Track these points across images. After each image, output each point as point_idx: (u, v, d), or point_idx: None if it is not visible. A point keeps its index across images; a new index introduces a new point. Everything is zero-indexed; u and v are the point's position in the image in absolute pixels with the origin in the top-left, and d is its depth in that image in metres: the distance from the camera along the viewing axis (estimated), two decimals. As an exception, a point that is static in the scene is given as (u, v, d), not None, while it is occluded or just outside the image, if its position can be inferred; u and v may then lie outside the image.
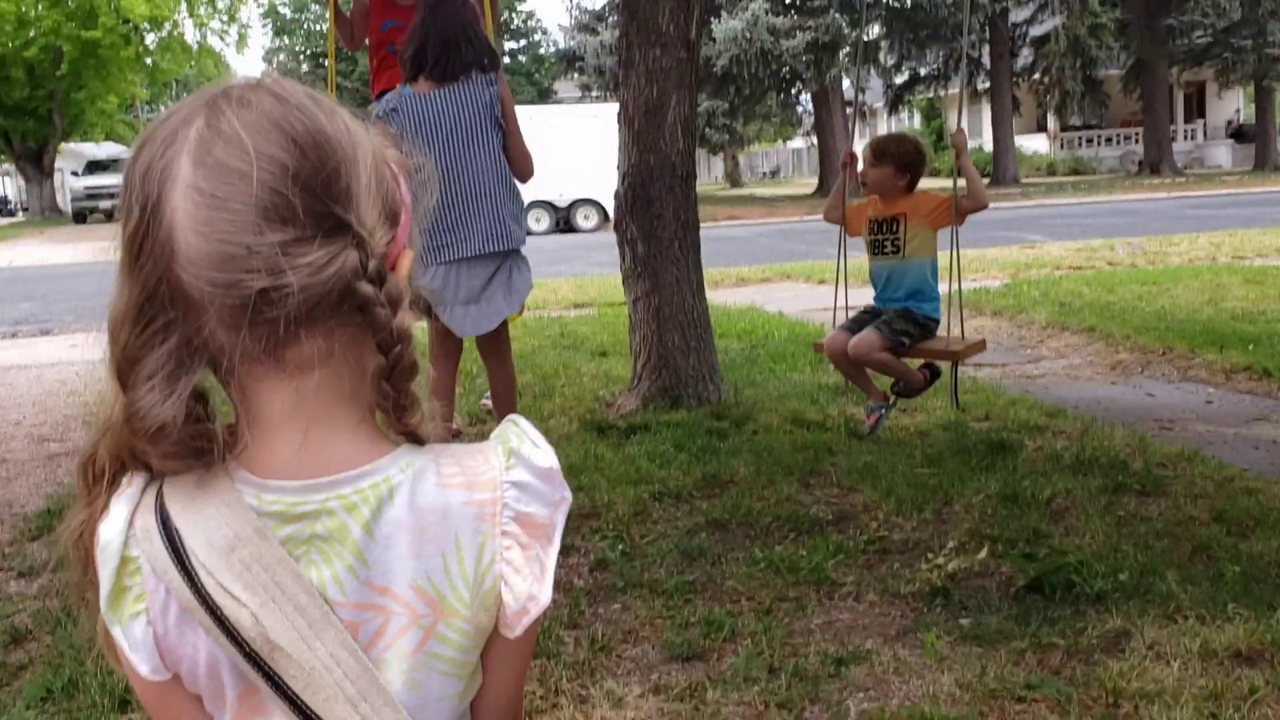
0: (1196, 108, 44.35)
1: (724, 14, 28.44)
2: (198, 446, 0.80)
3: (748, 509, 3.60)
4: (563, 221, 24.40)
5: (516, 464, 0.87)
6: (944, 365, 4.85)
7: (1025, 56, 33.72)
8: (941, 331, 4.60)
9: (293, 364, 0.79)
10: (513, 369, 4.41)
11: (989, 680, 2.36)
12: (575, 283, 11.81)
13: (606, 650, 2.64)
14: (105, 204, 33.49)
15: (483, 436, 3.51)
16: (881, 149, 4.49)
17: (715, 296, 8.51)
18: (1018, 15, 33.15)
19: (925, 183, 4.85)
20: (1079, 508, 3.48)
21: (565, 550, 3.32)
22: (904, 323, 4.39)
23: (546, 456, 0.89)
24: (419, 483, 0.83)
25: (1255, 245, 11.74)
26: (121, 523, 0.81)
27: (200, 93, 0.81)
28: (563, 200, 24.07)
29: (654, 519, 3.58)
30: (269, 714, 0.83)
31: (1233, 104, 44.87)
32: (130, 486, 0.82)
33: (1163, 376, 5.80)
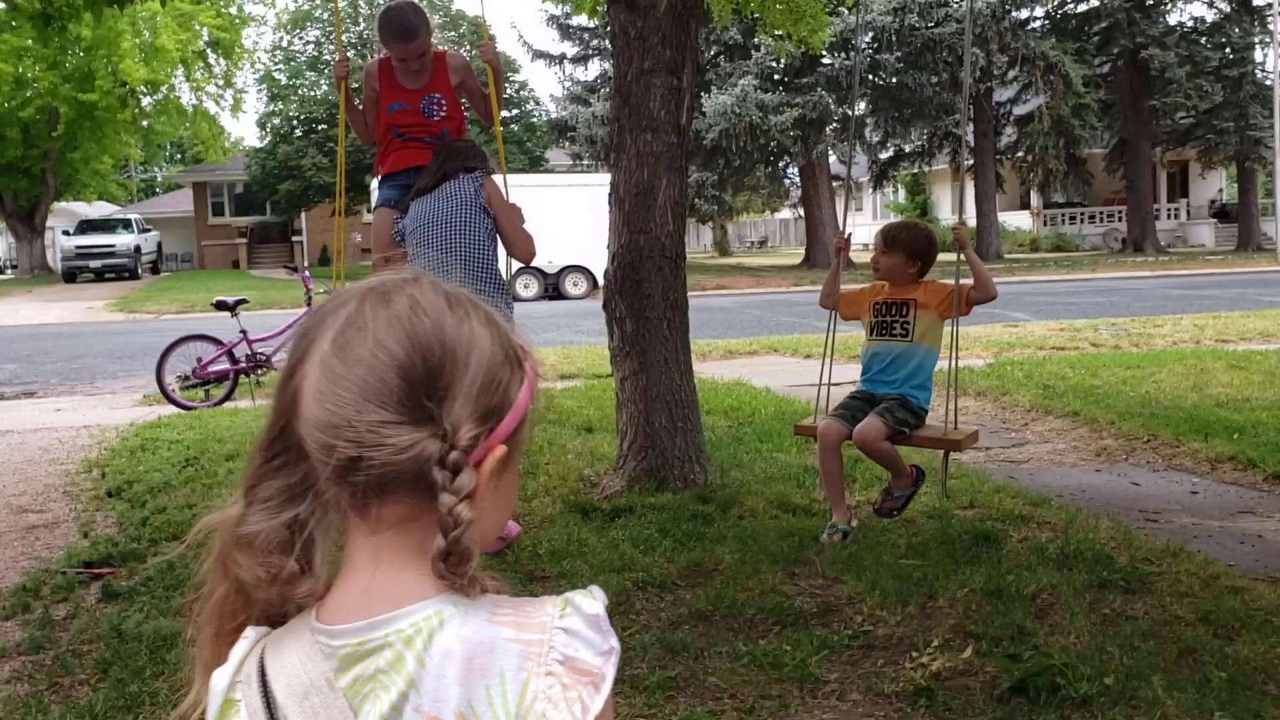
0: (1180, 187, 45.02)
1: (714, 89, 28.89)
2: (275, 578, 0.93)
3: (732, 600, 3.56)
4: (552, 288, 24.53)
5: (571, 612, 0.94)
6: (932, 453, 4.85)
7: (1009, 134, 34.29)
8: (931, 419, 4.56)
9: (373, 519, 0.92)
10: None
11: (974, 791, 2.33)
12: (563, 352, 11.83)
13: (585, 752, 2.59)
14: (95, 264, 33.55)
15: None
16: (893, 237, 4.48)
17: (703, 369, 8.53)
18: (1002, 94, 33.78)
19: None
20: (1064, 604, 3.46)
21: (546, 643, 3.28)
22: (903, 412, 4.30)
23: (594, 605, 0.95)
24: (470, 616, 0.92)
25: (1239, 328, 11.85)
26: (232, 668, 0.95)
27: (364, 282, 0.97)
28: (552, 267, 24.21)
29: (637, 609, 3.54)
30: None
31: (1215, 184, 45.57)
32: (245, 640, 0.95)
33: (1147, 465, 5.81)
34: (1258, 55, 36.23)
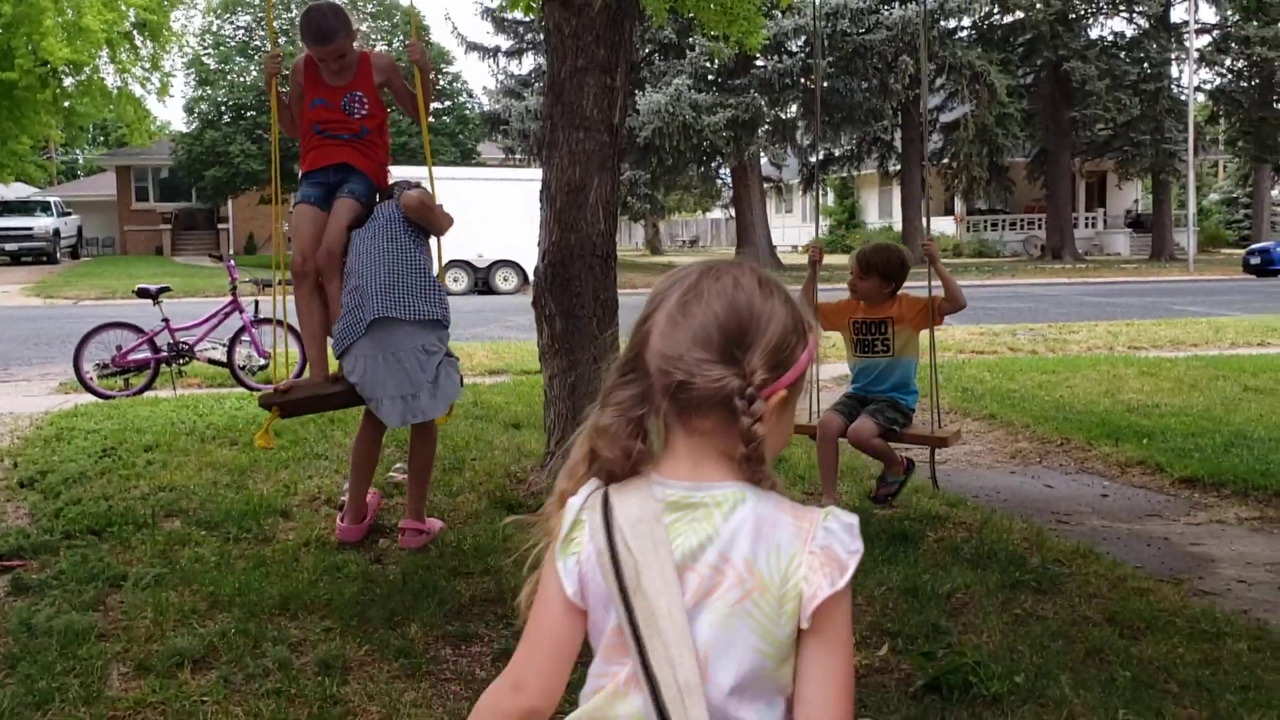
0: (1098, 197, 46.17)
1: (648, 87, 28.94)
2: (629, 455, 1.34)
3: (654, 597, 3.59)
4: (482, 282, 24.38)
5: (833, 517, 1.31)
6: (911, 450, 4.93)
7: (935, 142, 34.87)
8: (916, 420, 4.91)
9: (690, 428, 1.33)
10: (435, 445, 4.60)
11: (886, 786, 2.38)
12: (492, 348, 11.78)
13: (506, 749, 2.60)
14: (10, 247, 32.54)
15: (389, 511, 3.44)
16: (869, 262, 4.75)
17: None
18: (929, 102, 34.33)
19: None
20: (977, 604, 3.55)
21: (467, 639, 3.29)
22: (893, 412, 4.70)
23: (851, 517, 1.32)
24: (763, 500, 1.31)
25: (1150, 336, 12.21)
26: (583, 497, 1.37)
27: (703, 262, 1.39)
28: (482, 261, 24.07)
29: (560, 607, 3.55)
30: (624, 656, 1.31)
31: (1131, 194, 46.81)
32: (592, 482, 1.38)
33: (1060, 467, 5.98)
34: (1174, 70, 37.30)
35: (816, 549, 1.27)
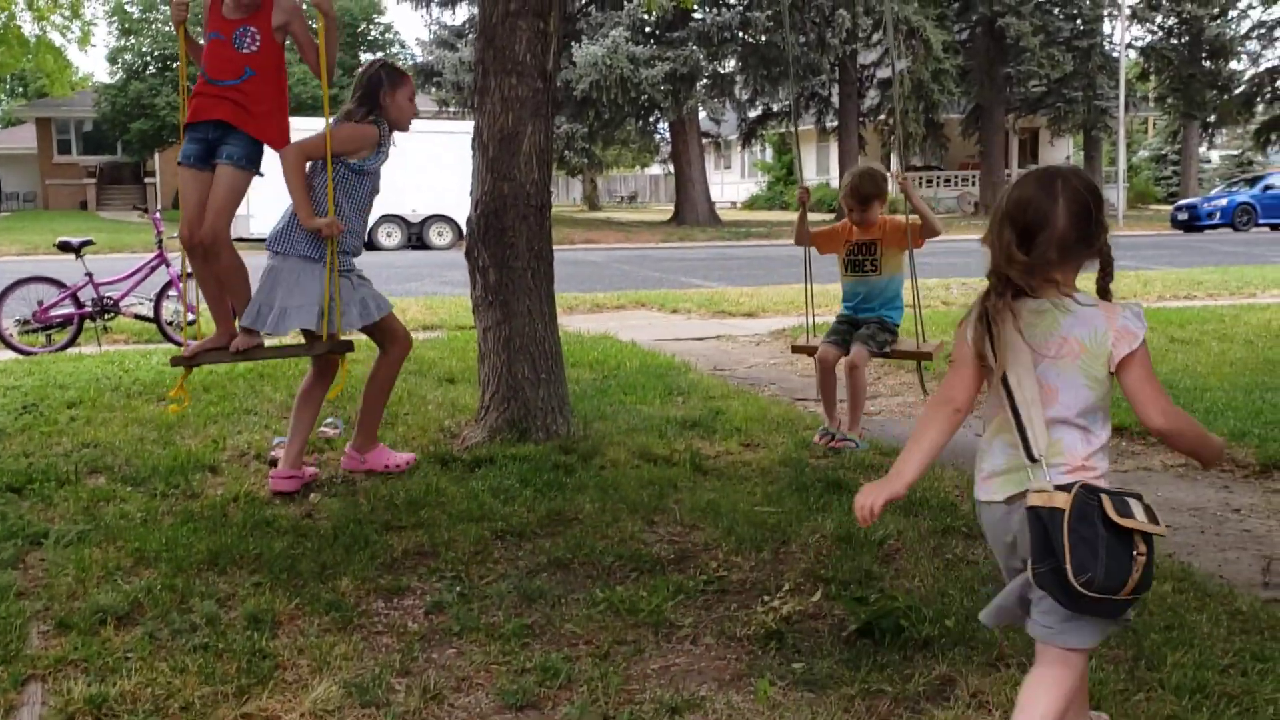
0: (1030, 153, 46.71)
1: (585, 39, 28.60)
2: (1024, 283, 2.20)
3: (591, 548, 3.58)
4: (415, 238, 24.06)
5: (1128, 311, 2.20)
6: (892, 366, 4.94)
7: (872, 97, 34.98)
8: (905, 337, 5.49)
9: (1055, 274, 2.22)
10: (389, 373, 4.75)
11: (819, 728, 2.40)
12: (425, 303, 11.64)
13: (438, 699, 2.58)
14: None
15: (320, 465, 3.39)
16: (864, 194, 5.18)
17: (569, 322, 8.52)
18: (866, 57, 34.39)
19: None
20: (909, 549, 3.59)
21: (399, 592, 3.26)
22: (882, 332, 5.20)
23: (1139, 306, 2.23)
24: (1086, 301, 2.20)
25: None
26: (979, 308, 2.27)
27: (1051, 166, 2.30)
28: (416, 216, 23.74)
29: (495, 558, 3.53)
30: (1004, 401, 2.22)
31: (1064, 151, 47.41)
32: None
33: (992, 417, 6.05)
34: (1106, 27, 37.74)
35: (1119, 327, 2.17)
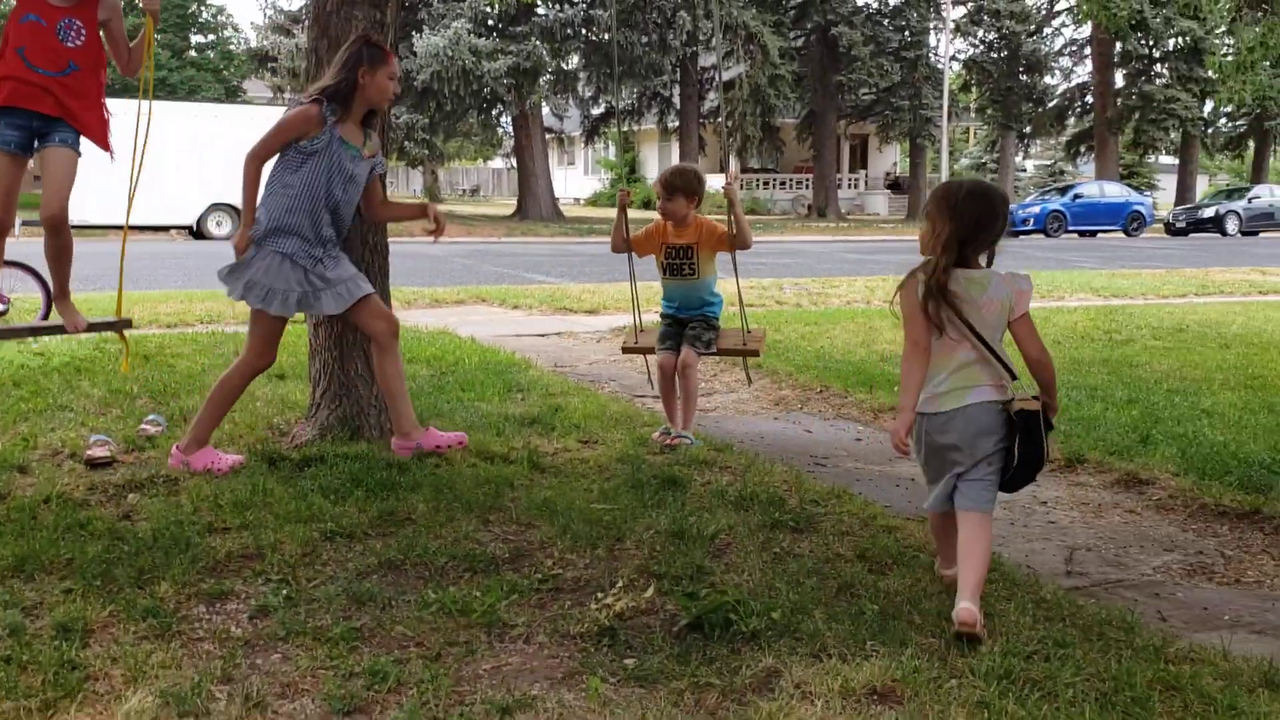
0: (860, 159, 48.38)
1: (426, 30, 28.14)
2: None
3: (423, 548, 3.54)
4: (247, 228, 23.21)
5: (1020, 279, 3.22)
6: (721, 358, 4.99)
7: (712, 100, 35.60)
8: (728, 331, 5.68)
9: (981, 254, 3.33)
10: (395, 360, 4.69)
11: (648, 722, 2.44)
12: (256, 296, 11.25)
13: (261, 707, 2.50)
14: None
15: (140, 464, 3.28)
16: (672, 185, 5.28)
17: (407, 317, 8.37)
18: (707, 60, 34.97)
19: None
20: (739, 544, 3.68)
21: (222, 597, 3.15)
22: (708, 331, 5.39)
23: (1028, 276, 3.30)
24: (996, 273, 3.24)
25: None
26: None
27: (983, 182, 3.61)
28: (247, 206, 22.90)
29: (324, 560, 3.45)
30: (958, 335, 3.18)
31: (891, 157, 49.28)
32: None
33: (819, 414, 6.27)
34: (932, 39, 39.39)
35: (1018, 291, 3.17)
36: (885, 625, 3.03)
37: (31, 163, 4.74)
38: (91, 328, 5.10)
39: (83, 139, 4.62)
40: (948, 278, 3.13)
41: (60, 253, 4.80)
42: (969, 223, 3.15)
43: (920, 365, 3.19)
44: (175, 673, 2.66)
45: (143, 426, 5.07)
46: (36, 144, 4.58)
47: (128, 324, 5.17)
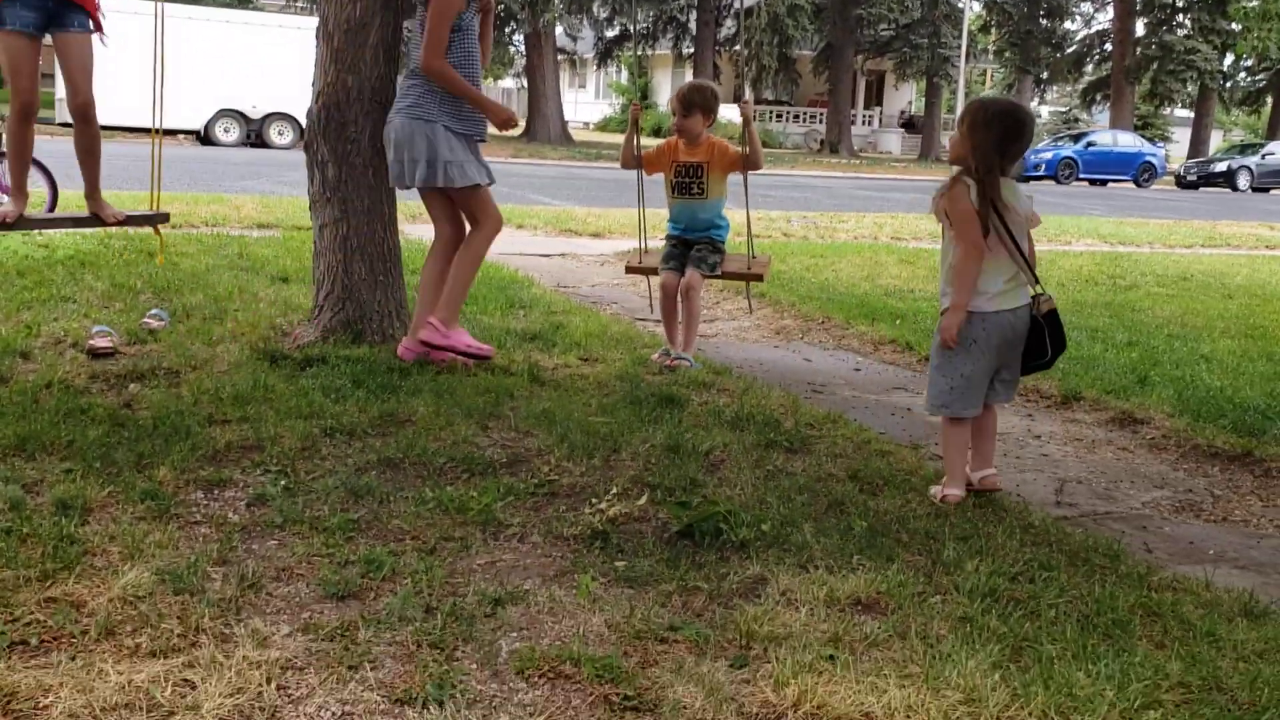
0: (876, 96, 47.76)
1: (440, -60, 27.60)
2: None
3: (422, 448, 3.57)
4: (255, 135, 23.03)
5: (1029, 197, 3.54)
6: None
7: (729, 27, 35.07)
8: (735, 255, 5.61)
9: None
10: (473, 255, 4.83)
11: (636, 621, 2.48)
12: (261, 201, 11.21)
13: (256, 588, 2.55)
14: None
15: (142, 357, 3.30)
16: (689, 101, 5.21)
17: (413, 230, 8.34)
18: (726, -14, 34.40)
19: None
20: (733, 460, 3.71)
21: (221, 484, 3.19)
22: (714, 254, 5.33)
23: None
24: (1019, 185, 3.55)
25: (912, 229, 12.88)
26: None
27: (1009, 98, 3.04)
28: (256, 112, 22.70)
29: (323, 455, 3.48)
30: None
31: (906, 95, 48.64)
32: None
33: (819, 343, 6.28)
34: (955, -22, 38.67)
35: (1032, 208, 3.45)
36: (873, 541, 3.07)
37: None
38: (129, 220, 5.18)
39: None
40: (997, 186, 3.33)
41: (91, 144, 4.93)
42: (1002, 135, 3.34)
43: (979, 265, 3.36)
44: (172, 552, 2.70)
45: (145, 320, 5.09)
46: (50, 29, 4.61)
47: (165, 218, 5.24)
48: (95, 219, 5.06)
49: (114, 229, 5.97)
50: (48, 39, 4.68)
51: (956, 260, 3.40)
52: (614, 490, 3.28)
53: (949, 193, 3.41)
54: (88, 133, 4.90)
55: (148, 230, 6.19)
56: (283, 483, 3.22)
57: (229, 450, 3.46)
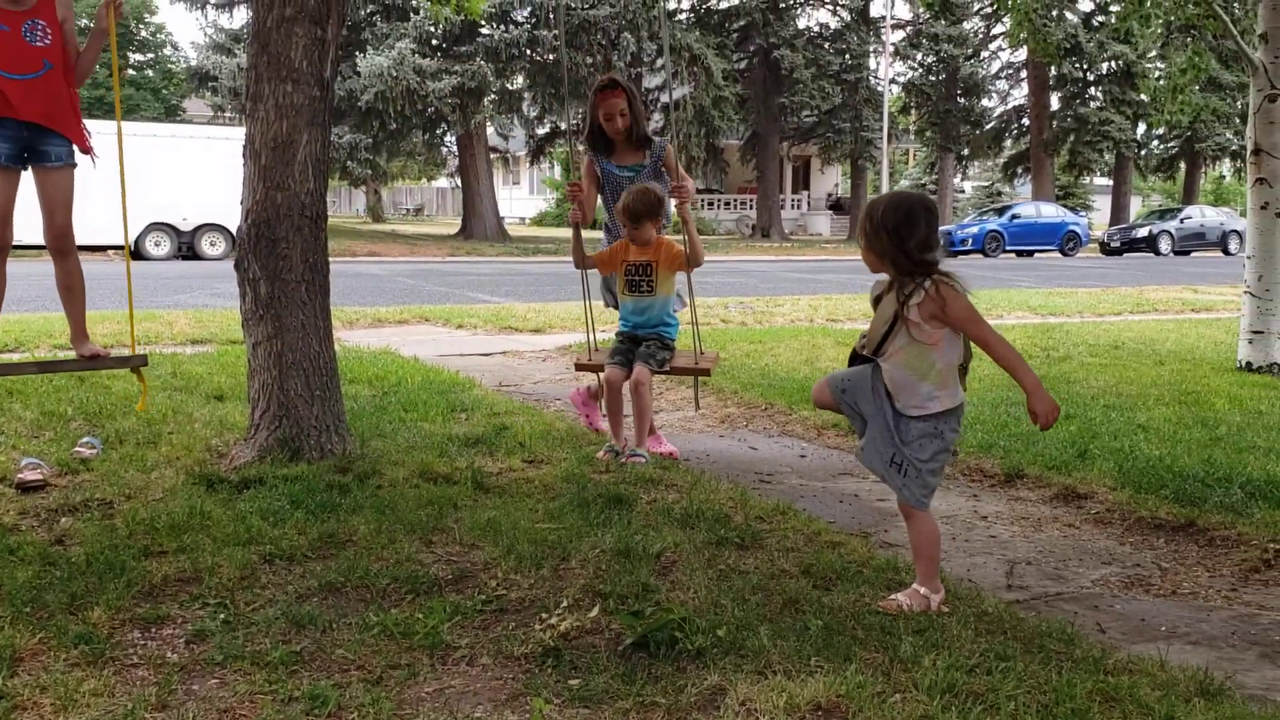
0: (803, 180, 48.89)
1: (370, 49, 28.01)
2: None
3: (365, 570, 3.49)
4: (186, 247, 22.89)
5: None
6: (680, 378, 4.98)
7: (657, 120, 35.77)
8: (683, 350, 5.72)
9: None
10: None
11: (593, 742, 2.42)
12: (194, 316, 11.08)
13: (198, 734, 2.45)
14: None
15: (74, 488, 3.19)
16: (636, 212, 5.30)
17: (350, 337, 8.29)
18: (651, 81, 35.16)
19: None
20: (685, 561, 3.67)
21: (158, 622, 3.08)
22: (662, 350, 5.44)
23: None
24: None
25: (846, 309, 13.08)
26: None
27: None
28: (187, 225, 22.60)
29: (263, 584, 3.39)
30: None
31: (833, 178, 49.84)
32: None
33: (764, 431, 6.29)
34: (872, 63, 39.96)
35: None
36: (830, 640, 3.03)
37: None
38: (106, 362, 5.16)
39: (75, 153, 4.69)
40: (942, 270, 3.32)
41: (70, 280, 4.86)
42: (897, 230, 3.26)
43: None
44: (108, 700, 2.59)
45: (77, 448, 4.96)
46: (29, 160, 4.58)
47: (143, 361, 5.09)
48: (84, 360, 4.96)
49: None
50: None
51: (995, 351, 3.25)
52: (564, 602, 3.23)
53: (936, 296, 3.23)
54: (65, 267, 4.79)
55: (65, 354, 6.08)
56: (222, 616, 3.11)
57: (166, 584, 3.35)
